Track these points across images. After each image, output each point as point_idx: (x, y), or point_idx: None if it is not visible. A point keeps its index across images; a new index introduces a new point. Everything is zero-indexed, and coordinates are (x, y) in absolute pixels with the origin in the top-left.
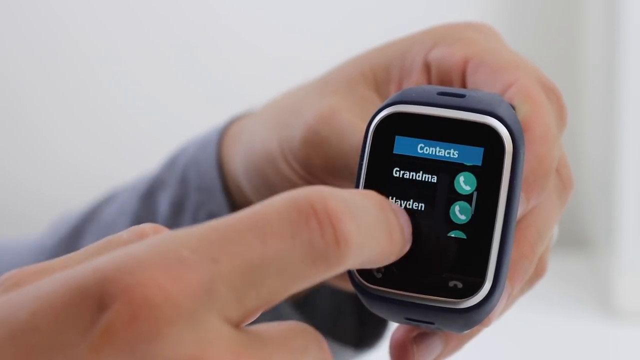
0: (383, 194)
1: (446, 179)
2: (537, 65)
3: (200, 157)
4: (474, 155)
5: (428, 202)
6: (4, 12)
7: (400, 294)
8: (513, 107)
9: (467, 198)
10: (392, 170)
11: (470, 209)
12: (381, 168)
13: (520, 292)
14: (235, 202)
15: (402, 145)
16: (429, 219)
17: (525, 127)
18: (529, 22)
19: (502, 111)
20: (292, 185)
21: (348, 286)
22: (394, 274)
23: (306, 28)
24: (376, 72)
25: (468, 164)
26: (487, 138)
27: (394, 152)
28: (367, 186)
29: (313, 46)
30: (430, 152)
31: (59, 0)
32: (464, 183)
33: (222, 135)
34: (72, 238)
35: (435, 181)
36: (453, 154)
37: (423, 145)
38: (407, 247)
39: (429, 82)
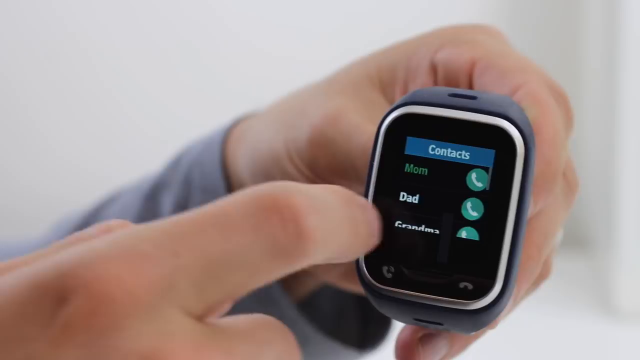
0: (394, 194)
1: (458, 178)
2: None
3: (204, 158)
4: (486, 157)
5: (439, 201)
6: (4, 12)
7: (410, 294)
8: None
9: (479, 195)
10: (404, 170)
11: (482, 206)
12: (392, 168)
13: (526, 293)
14: None
15: (414, 146)
16: (440, 219)
17: (534, 130)
18: (529, 22)
19: (514, 113)
20: None
21: (351, 287)
22: (404, 275)
23: (307, 28)
24: (382, 73)
25: (479, 166)
26: (498, 140)
27: (405, 152)
28: (378, 186)
29: (314, 46)
30: (442, 154)
31: (59, 0)
32: (477, 180)
33: (226, 135)
34: None
35: (446, 181)
36: (464, 156)
37: (434, 147)
38: (374, 242)
39: (435, 84)
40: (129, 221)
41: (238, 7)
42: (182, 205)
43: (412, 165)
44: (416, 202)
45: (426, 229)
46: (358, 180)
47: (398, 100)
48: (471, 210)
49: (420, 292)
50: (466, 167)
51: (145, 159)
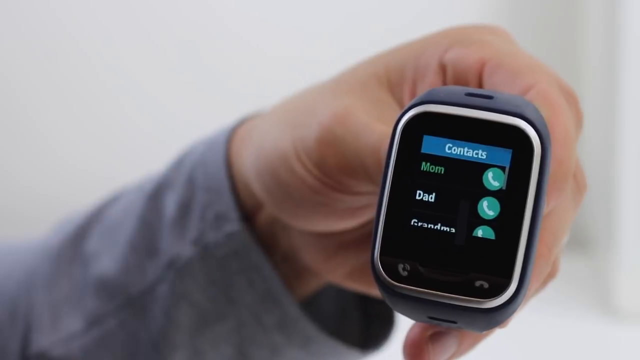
0: (410, 193)
1: (474, 177)
2: None
3: (208, 158)
4: (502, 156)
5: (455, 200)
6: (4, 12)
7: (426, 292)
8: None
9: (496, 194)
10: (420, 169)
11: (498, 205)
12: (408, 167)
13: (535, 292)
14: (243, 202)
15: (430, 144)
16: (456, 218)
17: None
18: (529, 22)
19: (530, 113)
20: (306, 185)
21: (355, 287)
22: (419, 273)
23: (307, 28)
24: (390, 73)
25: (496, 165)
26: (516, 140)
27: (422, 151)
28: (394, 184)
29: (314, 46)
30: (458, 152)
31: (59, 0)
32: (493, 179)
33: (231, 135)
34: (77, 238)
35: (463, 180)
36: (481, 155)
37: (451, 146)
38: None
39: (444, 84)
40: (131, 221)
41: (238, 7)
42: (185, 205)
43: (428, 164)
44: (432, 200)
45: (442, 228)
46: (367, 179)
47: (414, 99)
48: (487, 209)
49: (436, 290)
50: (483, 166)
51: (145, 159)
